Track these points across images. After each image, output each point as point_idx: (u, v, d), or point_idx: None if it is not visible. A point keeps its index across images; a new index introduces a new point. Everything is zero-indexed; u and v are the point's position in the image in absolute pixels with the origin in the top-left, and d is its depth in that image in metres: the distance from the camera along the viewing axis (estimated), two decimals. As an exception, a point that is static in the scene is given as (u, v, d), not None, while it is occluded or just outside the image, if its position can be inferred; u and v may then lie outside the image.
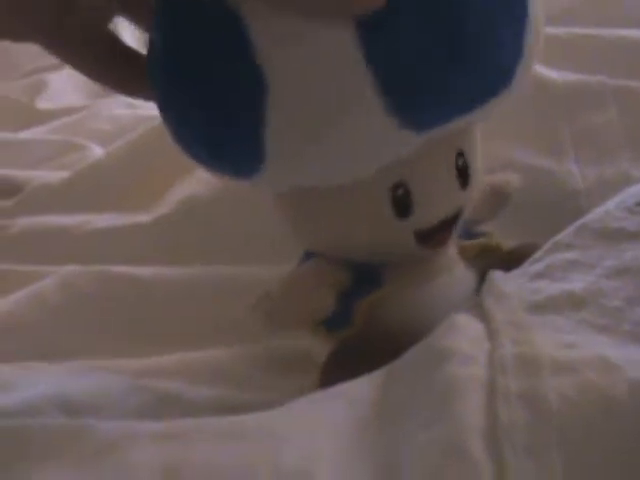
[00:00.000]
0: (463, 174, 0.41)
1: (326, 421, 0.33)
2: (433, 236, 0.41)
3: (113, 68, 0.41)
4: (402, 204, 0.39)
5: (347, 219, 0.40)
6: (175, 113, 0.38)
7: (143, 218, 0.58)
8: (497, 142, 0.56)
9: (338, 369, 0.40)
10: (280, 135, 0.35)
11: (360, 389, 0.35)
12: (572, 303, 0.36)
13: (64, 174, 0.67)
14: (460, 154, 0.40)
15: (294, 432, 0.32)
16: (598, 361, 0.32)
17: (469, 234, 0.46)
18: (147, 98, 0.41)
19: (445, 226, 0.41)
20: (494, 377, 0.32)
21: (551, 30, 0.63)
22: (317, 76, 0.34)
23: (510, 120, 0.56)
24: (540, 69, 0.60)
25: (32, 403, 0.38)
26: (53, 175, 0.68)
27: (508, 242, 0.47)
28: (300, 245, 0.44)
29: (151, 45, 0.39)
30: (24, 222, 0.62)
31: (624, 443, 0.30)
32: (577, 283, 0.37)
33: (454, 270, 0.44)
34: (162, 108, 0.39)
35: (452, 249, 0.44)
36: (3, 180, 0.68)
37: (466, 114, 0.37)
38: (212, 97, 0.36)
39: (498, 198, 0.48)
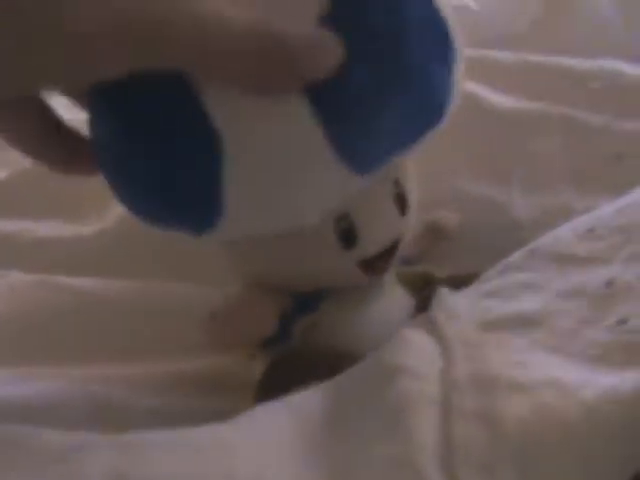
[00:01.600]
0: (401, 202, 0.42)
1: (274, 432, 0.33)
2: (376, 264, 0.42)
3: (50, 144, 0.39)
4: (347, 236, 0.40)
5: (293, 255, 0.41)
6: (125, 178, 0.38)
7: (86, 229, 0.57)
8: (441, 170, 0.56)
9: (274, 386, 0.40)
10: (238, 195, 0.36)
11: (305, 400, 0.35)
12: (524, 323, 0.37)
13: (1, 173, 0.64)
14: (397, 183, 0.42)
15: (245, 444, 0.32)
16: (552, 382, 0.32)
17: (405, 261, 0.48)
18: (86, 174, 0.40)
19: (388, 253, 0.42)
20: (448, 394, 0.33)
21: (500, 55, 0.64)
22: (273, 139, 0.35)
23: (454, 147, 0.57)
24: (486, 94, 0.61)
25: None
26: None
27: (448, 271, 0.48)
28: (241, 278, 0.44)
29: (95, 119, 0.38)
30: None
31: (580, 466, 0.30)
32: (528, 304, 0.38)
33: (391, 294, 0.45)
34: (110, 178, 0.38)
35: (390, 275, 0.45)
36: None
37: (405, 152, 0.38)
38: (168, 164, 0.36)
39: (437, 234, 0.51)
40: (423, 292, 0.45)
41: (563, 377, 0.33)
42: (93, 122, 0.38)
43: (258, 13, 0.33)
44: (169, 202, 0.37)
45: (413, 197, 0.43)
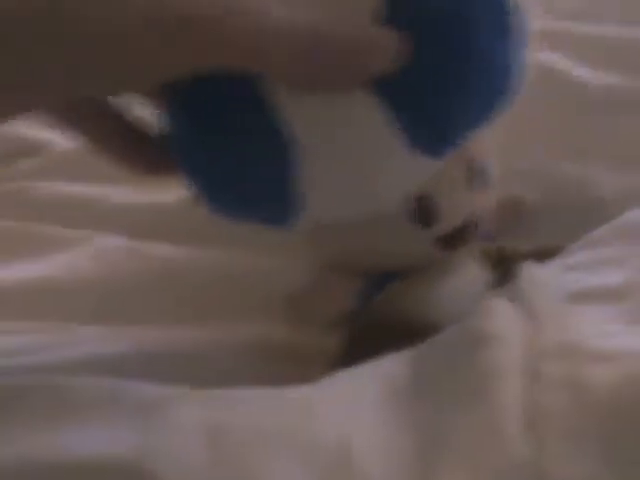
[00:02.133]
0: (477, 178, 0.42)
1: (362, 396, 0.33)
2: (454, 240, 0.42)
3: (129, 148, 0.40)
4: (426, 215, 0.41)
5: (370, 238, 0.42)
6: (203, 179, 0.38)
7: (167, 196, 0.58)
8: (523, 146, 0.56)
9: (351, 358, 0.40)
10: (316, 191, 0.36)
11: (390, 366, 0.35)
12: (610, 295, 0.36)
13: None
14: (473, 159, 0.42)
15: (332, 406, 0.32)
16: (638, 352, 0.32)
17: (488, 240, 0.48)
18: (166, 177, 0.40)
19: (465, 230, 0.42)
20: (534, 362, 0.33)
21: (585, 27, 0.64)
22: (347, 135, 0.35)
23: (537, 123, 0.57)
24: (571, 68, 0.60)
25: (73, 362, 0.38)
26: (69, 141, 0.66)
27: (527, 247, 0.48)
28: (320, 260, 0.45)
29: (172, 119, 0.38)
30: (47, 186, 0.60)
31: None
32: (614, 277, 0.38)
33: (469, 267, 0.45)
34: (189, 178, 0.39)
35: (469, 249, 0.45)
36: (21, 140, 0.66)
37: (477, 130, 0.38)
38: (243, 162, 0.36)
39: (514, 213, 0.51)
40: (502, 266, 0.45)
41: None
42: (170, 122, 0.38)
43: (313, 12, 0.33)
44: (247, 201, 0.38)
45: (491, 173, 0.43)
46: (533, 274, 0.39)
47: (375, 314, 0.43)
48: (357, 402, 0.33)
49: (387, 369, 0.35)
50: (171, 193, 0.57)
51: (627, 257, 0.39)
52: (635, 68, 0.59)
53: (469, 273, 0.45)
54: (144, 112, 0.40)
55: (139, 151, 0.40)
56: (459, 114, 0.36)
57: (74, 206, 0.58)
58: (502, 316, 0.35)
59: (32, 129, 0.66)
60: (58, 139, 0.65)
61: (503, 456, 0.30)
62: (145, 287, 0.52)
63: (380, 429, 0.31)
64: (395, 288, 0.43)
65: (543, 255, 0.44)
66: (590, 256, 0.40)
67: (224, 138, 0.36)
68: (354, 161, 0.36)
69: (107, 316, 0.48)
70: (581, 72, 0.60)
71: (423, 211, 0.41)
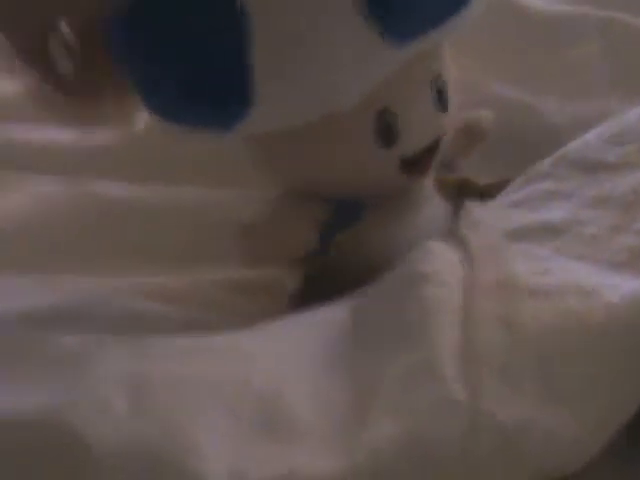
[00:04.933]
0: (442, 97, 0.40)
1: (300, 342, 0.33)
2: (418, 163, 0.40)
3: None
4: (388, 132, 0.39)
5: (331, 153, 0.40)
6: (152, 75, 0.37)
7: (110, 136, 0.56)
8: (476, 75, 0.55)
9: (310, 295, 0.40)
10: (267, 72, 0.35)
11: (334, 312, 0.35)
12: (549, 232, 0.36)
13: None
14: (437, 78, 0.40)
15: (264, 352, 0.32)
16: (575, 287, 0.32)
17: (445, 167, 0.46)
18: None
19: (429, 153, 0.41)
20: (470, 300, 0.32)
21: None
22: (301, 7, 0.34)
23: (490, 52, 0.56)
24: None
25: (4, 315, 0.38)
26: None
27: (485, 178, 0.47)
28: (278, 185, 0.43)
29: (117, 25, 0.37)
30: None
31: (603, 368, 0.30)
32: (555, 212, 0.37)
33: (432, 203, 0.44)
34: (135, 80, 0.38)
35: (429, 182, 0.44)
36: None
37: (439, 26, 0.37)
38: (195, 47, 0.35)
39: (473, 134, 0.48)
40: (460, 200, 0.44)
41: (587, 282, 0.32)
42: (115, 28, 0.37)
43: None
44: (199, 90, 0.36)
45: (453, 95, 0.41)
46: (474, 214, 0.38)
47: (334, 253, 0.42)
48: (293, 350, 0.33)
49: (330, 316, 0.35)
50: (112, 133, 0.56)
51: (568, 191, 0.38)
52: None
53: (430, 209, 0.43)
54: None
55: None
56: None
57: (11, 149, 0.56)
58: (440, 257, 0.35)
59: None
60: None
61: (439, 398, 0.29)
62: (87, 230, 0.50)
63: (315, 378, 0.31)
64: (357, 226, 0.42)
65: (498, 188, 0.43)
66: (532, 191, 0.40)
67: (170, 22, 0.35)
68: (309, 36, 0.35)
69: (45, 264, 0.47)
70: (535, 2, 0.59)
71: (384, 127, 0.39)
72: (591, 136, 0.42)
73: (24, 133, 0.56)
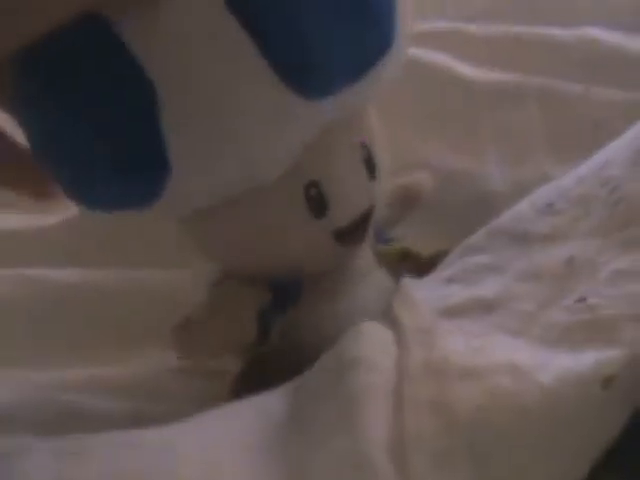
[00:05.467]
0: (369, 165, 0.40)
1: (233, 433, 0.32)
2: (352, 233, 0.40)
3: None
4: (317, 203, 0.38)
5: (262, 229, 0.39)
6: (63, 156, 0.36)
7: (51, 219, 0.56)
8: (414, 141, 0.56)
9: (251, 383, 0.39)
10: (179, 142, 0.33)
11: (270, 400, 0.35)
12: (484, 307, 0.36)
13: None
14: (363, 145, 0.40)
15: (196, 444, 0.31)
16: (508, 366, 0.31)
17: (384, 238, 0.46)
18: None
19: (362, 222, 0.40)
20: (401, 384, 0.32)
21: (475, 28, 0.64)
22: (200, 63, 0.33)
23: (427, 119, 0.57)
24: (459, 66, 0.60)
25: None
26: None
27: (427, 247, 0.47)
28: (214, 265, 0.42)
29: (21, 103, 0.36)
30: None
31: (537, 450, 0.30)
32: (488, 287, 0.37)
33: (372, 276, 0.43)
34: (50, 165, 0.36)
35: (368, 254, 0.43)
36: None
37: (352, 82, 0.36)
38: (104, 123, 0.34)
39: (409, 199, 0.47)
40: (401, 271, 0.44)
41: (520, 360, 0.32)
42: (20, 108, 0.36)
43: None
44: (112, 169, 0.34)
45: (382, 162, 0.41)
46: (406, 292, 0.38)
47: (274, 340, 0.41)
48: (226, 441, 0.32)
49: (263, 406, 0.34)
50: (54, 216, 0.55)
51: (501, 265, 0.38)
52: (518, 65, 0.60)
53: (371, 284, 0.43)
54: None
55: (29, 175, 0.38)
56: (325, 51, 0.34)
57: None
58: (372, 340, 0.35)
59: None
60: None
61: None
62: (34, 316, 0.50)
63: (249, 470, 0.30)
64: (297, 311, 0.41)
65: (442, 258, 0.43)
66: (466, 266, 0.39)
67: (77, 97, 0.34)
68: (211, 92, 0.33)
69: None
70: (465, 69, 0.60)
71: (313, 199, 0.38)
72: (524, 205, 0.42)
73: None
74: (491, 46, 0.62)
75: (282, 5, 0.33)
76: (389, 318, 0.36)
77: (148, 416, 0.40)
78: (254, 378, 0.40)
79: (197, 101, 0.33)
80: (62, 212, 0.56)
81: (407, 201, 0.47)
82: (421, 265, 0.44)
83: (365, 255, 0.43)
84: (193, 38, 0.32)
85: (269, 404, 0.34)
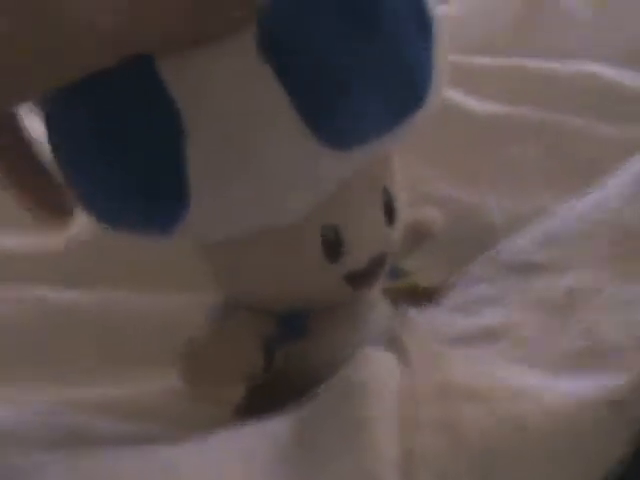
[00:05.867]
0: (388, 209, 0.40)
1: (237, 454, 0.33)
2: (364, 276, 0.40)
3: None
4: (333, 247, 0.38)
5: (276, 267, 0.39)
6: (88, 178, 0.36)
7: (49, 241, 0.56)
8: (415, 173, 0.56)
9: (255, 406, 0.40)
10: (203, 172, 0.34)
11: (275, 423, 0.35)
12: (486, 336, 0.37)
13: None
14: (385, 191, 0.39)
15: (200, 466, 0.32)
16: (513, 388, 0.32)
17: (391, 272, 0.46)
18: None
19: (375, 266, 0.40)
20: (408, 407, 0.32)
21: (478, 60, 0.64)
22: (232, 107, 0.33)
23: (429, 151, 0.57)
24: (462, 99, 0.60)
25: None
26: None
27: (431, 280, 0.47)
28: (224, 292, 0.42)
29: (54, 124, 0.36)
30: None
31: (541, 471, 0.30)
32: (491, 316, 0.38)
33: (377, 309, 0.43)
34: (74, 183, 0.37)
35: (376, 288, 0.43)
36: None
37: (384, 134, 0.36)
38: (130, 150, 0.34)
39: (421, 235, 0.47)
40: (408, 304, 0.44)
41: (525, 385, 0.32)
42: (52, 128, 0.36)
43: None
44: (134, 192, 0.35)
45: (401, 207, 0.41)
46: (410, 320, 0.39)
47: (278, 366, 0.41)
48: (232, 462, 0.32)
49: (271, 429, 0.34)
50: (55, 237, 0.55)
51: (502, 295, 0.39)
52: (519, 98, 0.60)
53: (376, 316, 0.43)
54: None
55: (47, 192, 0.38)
56: (358, 106, 0.34)
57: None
58: (377, 365, 0.35)
59: None
60: None
61: None
62: (32, 338, 0.50)
63: None
64: (302, 340, 0.41)
65: (449, 290, 0.44)
66: (468, 297, 0.40)
67: (107, 126, 0.34)
68: (239, 136, 0.33)
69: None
70: (468, 102, 0.61)
71: (329, 242, 0.38)
72: (521, 237, 0.42)
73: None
74: (491, 79, 0.63)
75: (317, 56, 0.33)
76: (394, 344, 0.37)
77: (153, 438, 0.40)
78: (258, 402, 0.40)
79: (220, 134, 0.33)
80: (63, 233, 0.57)
81: (418, 236, 0.47)
82: (428, 297, 0.45)
83: (374, 289, 0.43)
84: (225, 83, 0.33)
85: (274, 427, 0.34)
